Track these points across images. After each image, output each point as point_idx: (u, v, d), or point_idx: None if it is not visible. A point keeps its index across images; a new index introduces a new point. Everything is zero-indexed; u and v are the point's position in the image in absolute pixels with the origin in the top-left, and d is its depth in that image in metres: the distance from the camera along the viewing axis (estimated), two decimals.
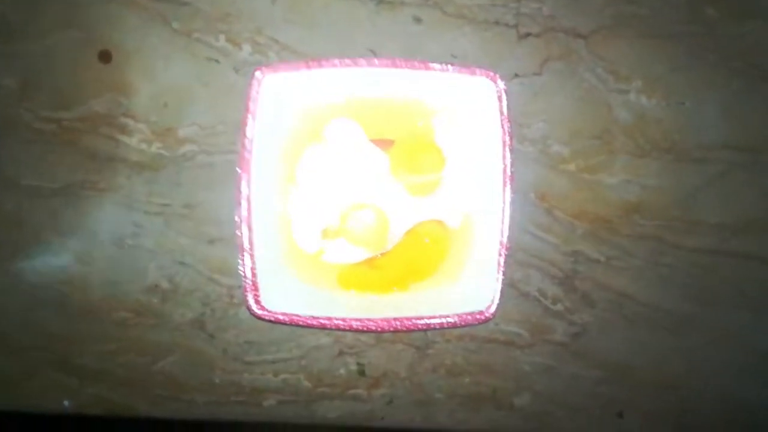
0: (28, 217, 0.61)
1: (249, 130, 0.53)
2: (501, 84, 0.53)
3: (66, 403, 0.62)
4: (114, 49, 0.61)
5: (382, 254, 0.59)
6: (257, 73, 0.53)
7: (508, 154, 0.54)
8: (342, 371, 0.63)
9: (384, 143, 0.59)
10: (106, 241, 0.61)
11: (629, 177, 0.62)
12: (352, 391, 0.63)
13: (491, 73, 0.53)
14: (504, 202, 0.54)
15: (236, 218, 0.54)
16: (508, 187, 0.54)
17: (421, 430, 0.64)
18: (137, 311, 0.62)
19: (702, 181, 0.63)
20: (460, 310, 0.54)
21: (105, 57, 0.61)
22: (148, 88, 0.61)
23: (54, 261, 0.62)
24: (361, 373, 0.63)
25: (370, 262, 0.59)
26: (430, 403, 0.63)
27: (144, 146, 0.61)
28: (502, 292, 0.54)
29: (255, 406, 0.63)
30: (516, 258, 0.62)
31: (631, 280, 0.63)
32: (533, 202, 0.62)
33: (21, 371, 0.62)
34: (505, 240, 0.54)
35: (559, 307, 0.63)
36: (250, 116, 0.53)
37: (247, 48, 0.61)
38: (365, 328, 0.54)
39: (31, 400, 0.62)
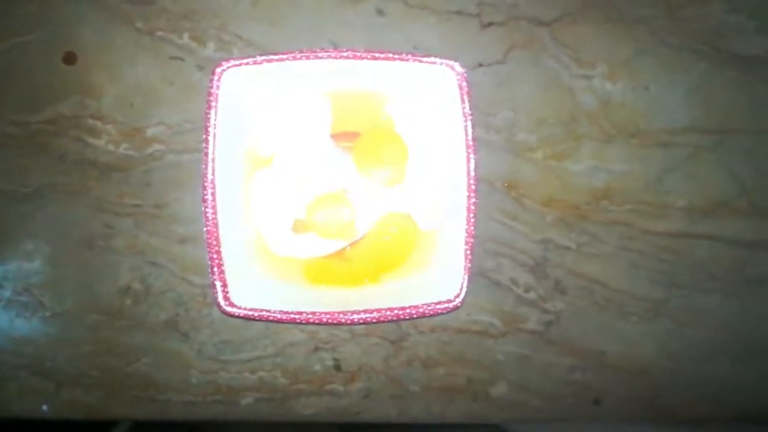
0: None
1: (210, 127, 0.53)
2: (461, 70, 0.53)
3: (44, 407, 0.62)
4: (79, 50, 0.61)
5: (351, 245, 0.58)
6: (217, 69, 0.53)
7: (471, 142, 0.54)
8: (318, 367, 0.63)
9: (349, 135, 0.59)
10: (78, 243, 0.61)
11: (596, 163, 0.62)
12: (328, 387, 0.63)
13: (451, 62, 0.53)
14: (469, 191, 0.54)
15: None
16: (473, 176, 0.54)
17: (398, 424, 0.64)
18: (110, 313, 0.62)
19: (669, 164, 0.63)
20: (429, 300, 0.54)
21: (70, 58, 0.61)
22: (113, 88, 0.61)
23: (26, 265, 0.61)
24: (337, 368, 0.63)
25: (340, 254, 0.59)
26: (406, 396, 0.63)
27: (112, 147, 0.61)
28: (470, 281, 0.54)
29: (232, 405, 0.63)
30: (486, 247, 0.62)
31: (601, 267, 0.63)
32: (501, 190, 0.62)
33: None
34: (471, 229, 0.54)
35: (531, 295, 0.63)
36: (212, 112, 0.53)
37: (211, 45, 0.61)
38: (336, 321, 0.54)
39: (7, 405, 0.62)
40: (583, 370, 0.64)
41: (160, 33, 0.61)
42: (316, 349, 0.63)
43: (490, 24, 0.62)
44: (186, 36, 0.61)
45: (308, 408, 0.63)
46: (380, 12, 0.61)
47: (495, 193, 0.62)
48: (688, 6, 0.62)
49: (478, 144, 0.55)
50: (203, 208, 0.53)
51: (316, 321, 0.54)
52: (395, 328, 0.63)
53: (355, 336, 0.63)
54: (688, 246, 0.63)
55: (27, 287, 0.61)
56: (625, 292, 0.63)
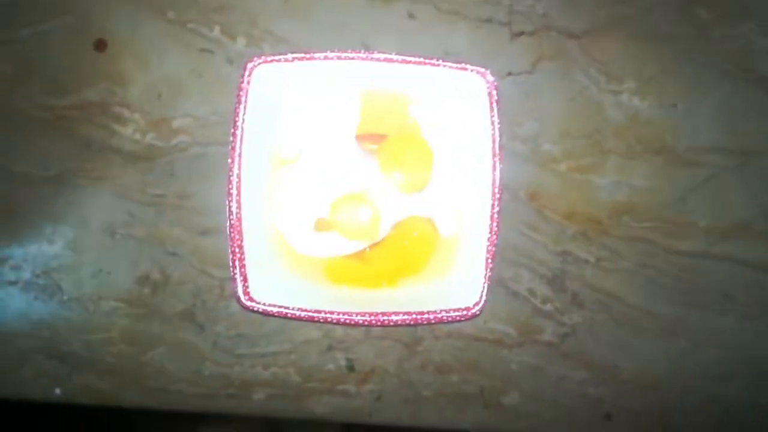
0: (20, 204, 0.61)
1: (239, 121, 0.53)
2: (491, 79, 0.53)
3: (57, 390, 0.62)
4: (109, 38, 0.61)
5: (371, 247, 0.58)
6: (248, 64, 0.53)
7: (497, 151, 0.54)
8: (331, 366, 0.63)
9: (375, 137, 0.59)
10: (99, 229, 0.62)
11: (619, 178, 0.62)
12: (340, 387, 0.63)
13: (482, 69, 0.53)
14: (493, 199, 0.54)
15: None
16: (498, 184, 0.54)
17: (409, 428, 0.64)
18: (128, 301, 0.62)
19: (693, 183, 0.63)
20: (447, 306, 0.54)
21: (100, 46, 0.61)
22: (142, 78, 0.61)
23: (46, 248, 0.62)
24: (350, 368, 0.63)
25: (359, 255, 0.59)
26: (418, 400, 0.63)
27: (138, 136, 0.62)
28: (489, 289, 0.54)
29: (244, 400, 0.63)
30: (505, 257, 0.62)
31: (619, 282, 0.63)
32: (523, 201, 0.62)
33: (11, 358, 0.62)
34: (493, 238, 0.54)
35: (548, 307, 0.63)
36: (240, 107, 0.53)
37: (241, 40, 0.61)
38: (353, 322, 0.54)
39: (21, 387, 0.62)
40: (596, 384, 0.64)
41: (190, 25, 0.61)
42: (331, 348, 0.63)
43: (521, 33, 0.62)
44: (217, 29, 0.61)
45: (320, 407, 0.63)
46: (411, 15, 0.62)
47: (517, 203, 0.62)
48: (717, 26, 0.62)
49: (502, 153, 0.55)
50: (227, 202, 0.54)
51: (333, 321, 0.54)
52: (411, 332, 0.63)
53: (369, 337, 0.63)
54: (707, 266, 0.63)
55: (46, 270, 0.62)
56: (641, 308, 0.63)
